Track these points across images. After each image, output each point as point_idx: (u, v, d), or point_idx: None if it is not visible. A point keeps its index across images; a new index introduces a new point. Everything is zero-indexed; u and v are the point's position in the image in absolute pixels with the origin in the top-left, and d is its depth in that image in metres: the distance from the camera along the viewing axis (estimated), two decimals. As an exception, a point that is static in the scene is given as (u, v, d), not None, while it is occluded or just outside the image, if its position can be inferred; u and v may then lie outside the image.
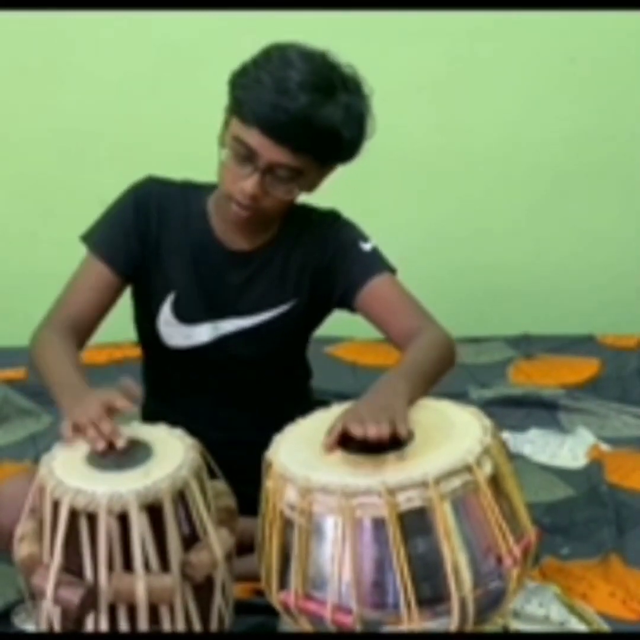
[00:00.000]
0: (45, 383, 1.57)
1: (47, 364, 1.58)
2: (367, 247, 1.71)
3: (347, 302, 1.71)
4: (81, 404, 1.43)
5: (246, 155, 1.55)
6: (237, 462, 1.51)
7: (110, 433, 1.38)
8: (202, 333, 1.74)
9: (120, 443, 1.37)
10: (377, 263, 1.71)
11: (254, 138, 1.53)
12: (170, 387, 1.82)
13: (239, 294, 1.73)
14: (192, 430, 1.47)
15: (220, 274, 1.72)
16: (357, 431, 1.34)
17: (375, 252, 1.72)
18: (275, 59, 1.54)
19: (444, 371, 1.59)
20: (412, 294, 1.70)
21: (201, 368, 1.77)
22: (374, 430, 1.33)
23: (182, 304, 1.73)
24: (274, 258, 1.73)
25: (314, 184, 1.64)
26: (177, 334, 1.75)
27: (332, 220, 1.75)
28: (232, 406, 1.79)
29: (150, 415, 1.82)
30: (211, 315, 1.73)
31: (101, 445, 1.37)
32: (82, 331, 1.65)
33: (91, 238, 1.71)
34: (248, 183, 1.56)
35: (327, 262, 1.72)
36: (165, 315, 1.74)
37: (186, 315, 1.73)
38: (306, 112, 1.51)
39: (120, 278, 1.69)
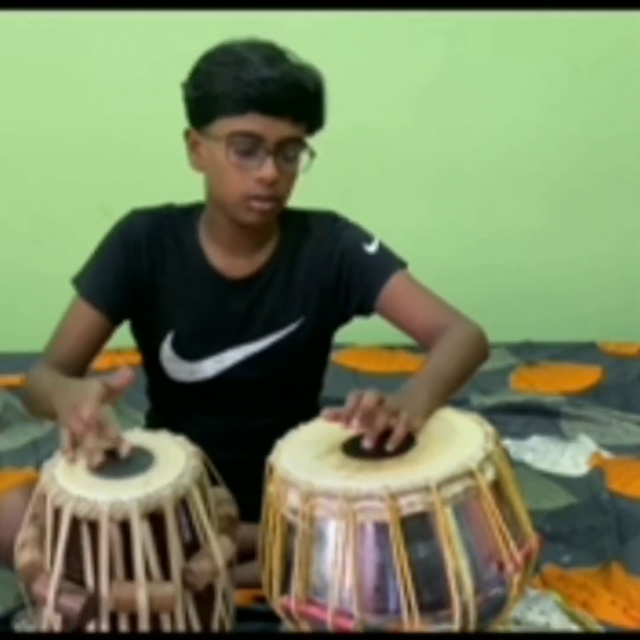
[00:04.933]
0: (40, 405, 1.54)
1: (39, 387, 1.54)
2: (372, 248, 1.68)
3: (365, 310, 1.69)
4: (71, 398, 1.38)
5: (250, 146, 1.53)
6: (242, 476, 1.50)
7: (110, 440, 1.35)
8: (206, 368, 1.72)
9: (124, 451, 1.35)
10: (387, 263, 1.67)
11: (254, 122, 1.52)
12: (176, 409, 1.79)
13: (242, 323, 1.70)
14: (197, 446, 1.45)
15: (221, 305, 1.69)
16: (351, 401, 1.32)
17: (382, 252, 1.68)
18: (223, 55, 1.55)
19: (474, 368, 1.56)
20: (429, 288, 1.67)
21: (208, 396, 1.75)
22: (382, 420, 1.31)
23: (183, 342, 1.70)
24: (275, 278, 1.69)
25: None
26: (180, 369, 1.72)
27: (330, 225, 1.71)
28: (238, 426, 1.76)
29: (155, 427, 1.80)
30: (214, 349, 1.70)
31: (97, 459, 1.34)
32: (75, 371, 1.61)
33: (81, 282, 1.67)
34: (265, 170, 1.53)
35: (334, 273, 1.68)
36: (167, 352, 1.71)
37: (188, 352, 1.71)
38: (293, 77, 1.52)
39: (111, 321, 1.66)
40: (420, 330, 1.63)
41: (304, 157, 1.59)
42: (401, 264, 1.68)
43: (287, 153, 1.56)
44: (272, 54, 1.54)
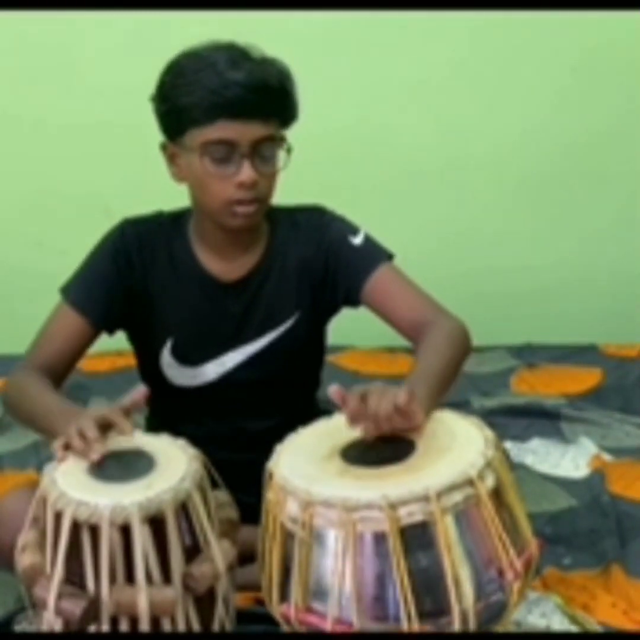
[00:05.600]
0: (29, 417, 1.55)
1: (30, 399, 1.55)
2: (357, 240, 1.68)
3: (351, 301, 1.69)
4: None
5: (225, 153, 1.53)
6: (243, 477, 1.50)
7: (93, 440, 1.34)
8: (208, 372, 1.72)
9: (94, 456, 1.34)
10: (372, 255, 1.67)
11: (224, 129, 1.52)
12: (176, 413, 1.79)
13: (240, 324, 1.70)
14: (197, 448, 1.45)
15: (217, 309, 1.69)
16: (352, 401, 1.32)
17: (368, 244, 1.68)
18: (186, 62, 1.55)
19: (461, 363, 1.56)
20: (413, 281, 1.67)
21: (210, 399, 1.75)
22: (375, 401, 1.31)
23: (182, 347, 1.71)
24: (268, 277, 1.70)
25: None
26: (181, 375, 1.73)
27: (317, 218, 1.71)
28: (239, 428, 1.76)
29: (155, 430, 1.80)
30: (214, 353, 1.71)
31: (94, 456, 1.34)
32: (56, 376, 1.62)
33: (68, 290, 1.68)
34: (243, 174, 1.53)
35: (323, 266, 1.69)
36: (167, 359, 1.72)
37: (188, 357, 1.71)
38: (256, 78, 1.51)
39: (95, 329, 1.66)
40: (403, 322, 1.64)
41: (282, 154, 1.59)
42: (387, 256, 1.69)
43: (262, 153, 1.55)
44: (234, 55, 1.53)
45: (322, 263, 1.69)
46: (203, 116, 1.52)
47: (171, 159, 1.62)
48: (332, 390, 1.35)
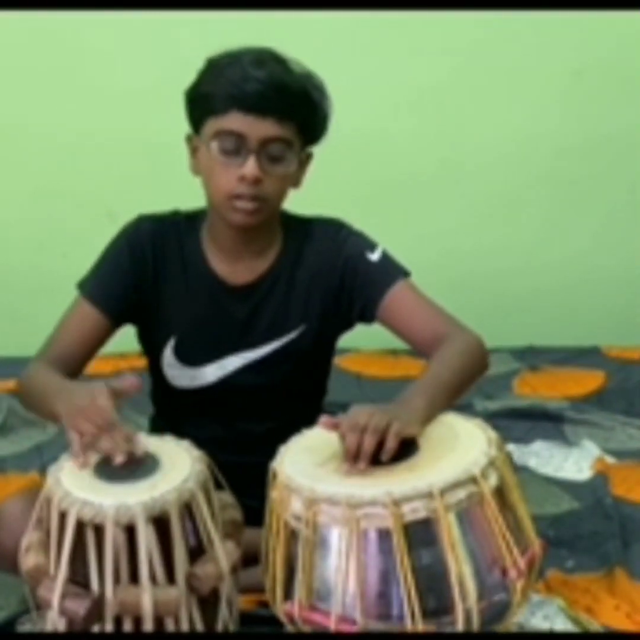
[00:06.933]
0: (39, 405, 1.54)
1: (38, 386, 1.55)
2: (375, 257, 1.67)
3: (366, 317, 1.68)
4: (75, 400, 1.39)
5: (234, 145, 1.54)
6: (245, 480, 1.50)
7: (125, 440, 1.36)
8: (208, 374, 1.72)
9: (138, 451, 1.37)
10: (389, 272, 1.67)
11: (236, 121, 1.52)
12: (179, 414, 1.79)
13: (243, 329, 1.70)
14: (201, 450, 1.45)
15: (222, 312, 1.69)
16: (351, 442, 1.32)
17: (385, 260, 1.68)
18: (221, 58, 1.56)
19: (473, 377, 1.55)
20: (429, 297, 1.66)
21: (210, 401, 1.75)
22: (370, 442, 1.30)
23: (184, 347, 1.71)
24: (276, 285, 1.69)
25: (299, 173, 1.62)
26: (182, 376, 1.73)
27: (334, 232, 1.70)
28: (241, 431, 1.76)
29: (158, 431, 1.80)
30: (216, 355, 1.71)
31: (120, 458, 1.35)
32: (70, 370, 1.61)
33: (84, 284, 1.68)
34: (247, 168, 1.53)
35: (338, 280, 1.68)
36: (168, 359, 1.72)
37: (189, 358, 1.71)
38: (277, 77, 1.52)
39: (111, 323, 1.66)
40: (419, 339, 1.63)
41: (294, 160, 1.58)
42: (403, 273, 1.68)
43: (271, 153, 1.55)
44: (263, 56, 1.55)
45: (338, 278, 1.68)
46: (218, 105, 1.53)
47: (194, 151, 1.63)
48: (322, 422, 1.36)
